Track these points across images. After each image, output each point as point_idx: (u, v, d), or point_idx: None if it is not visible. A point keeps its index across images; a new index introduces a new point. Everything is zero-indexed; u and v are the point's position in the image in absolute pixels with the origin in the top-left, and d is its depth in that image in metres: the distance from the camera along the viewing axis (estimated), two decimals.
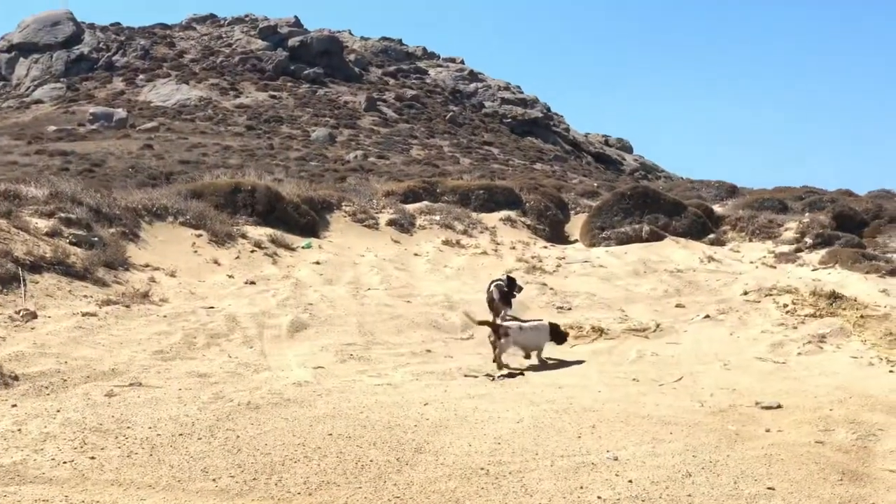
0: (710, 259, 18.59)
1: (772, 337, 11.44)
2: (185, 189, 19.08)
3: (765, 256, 19.19)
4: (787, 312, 12.77)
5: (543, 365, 10.04)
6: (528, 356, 10.26)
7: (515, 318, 10.88)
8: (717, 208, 25.97)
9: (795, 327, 11.87)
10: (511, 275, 12.74)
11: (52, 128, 71.42)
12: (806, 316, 12.38)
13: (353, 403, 7.30)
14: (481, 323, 10.50)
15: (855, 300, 13.14)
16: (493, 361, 9.84)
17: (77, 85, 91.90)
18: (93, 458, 5.71)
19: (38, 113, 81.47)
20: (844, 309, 12.55)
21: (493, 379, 8.78)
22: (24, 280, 11.00)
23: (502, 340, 9.95)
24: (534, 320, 10.77)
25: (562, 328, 10.76)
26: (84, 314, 10.30)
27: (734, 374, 9.41)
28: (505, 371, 9.19)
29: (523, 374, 9.02)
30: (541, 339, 10.39)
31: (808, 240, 20.09)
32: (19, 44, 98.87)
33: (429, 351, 10.26)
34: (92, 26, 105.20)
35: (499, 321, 10.82)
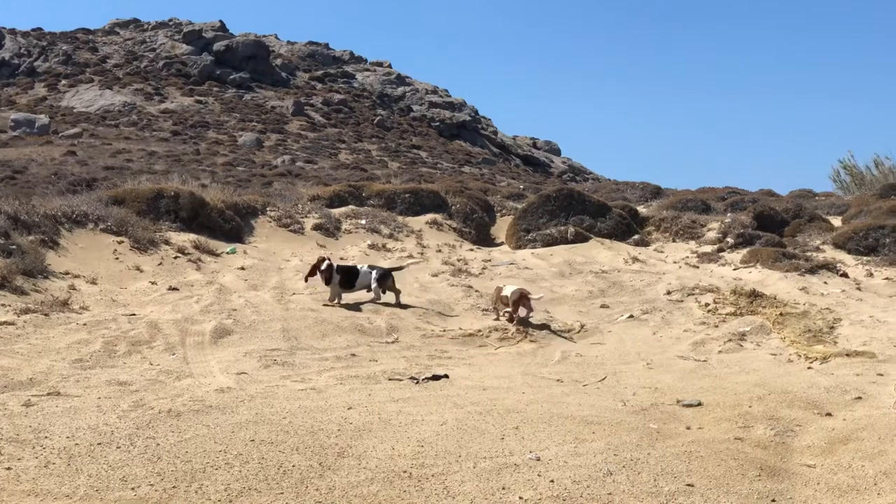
0: (635, 260, 18.76)
1: (694, 336, 11.62)
2: (106, 195, 18.79)
3: (688, 256, 19.41)
4: (708, 311, 12.96)
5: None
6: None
7: None
8: (642, 209, 26.22)
9: (717, 326, 12.06)
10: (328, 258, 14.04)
11: None
12: (727, 314, 12.58)
13: (276, 409, 7.25)
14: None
15: (775, 298, 13.38)
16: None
17: None
18: (9, 468, 5.61)
19: None
20: (764, 307, 12.77)
21: (418, 382, 8.78)
22: None
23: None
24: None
25: None
26: (1, 323, 10.11)
27: (657, 372, 9.53)
28: (429, 373, 9.18)
29: (448, 377, 9.02)
30: None
31: (730, 239, 20.35)
32: None
33: (353, 355, 10.22)
34: (13, 31, 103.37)
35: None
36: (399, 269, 14.52)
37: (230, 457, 5.98)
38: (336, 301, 13.29)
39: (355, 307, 13.14)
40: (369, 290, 13.75)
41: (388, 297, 13.71)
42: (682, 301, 13.96)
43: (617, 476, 5.78)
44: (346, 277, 13.43)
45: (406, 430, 6.73)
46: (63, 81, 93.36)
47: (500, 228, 24.98)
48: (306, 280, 13.79)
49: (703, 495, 5.53)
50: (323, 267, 13.29)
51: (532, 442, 6.49)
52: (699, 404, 7.83)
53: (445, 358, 10.36)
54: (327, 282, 13.30)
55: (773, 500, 5.53)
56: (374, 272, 13.78)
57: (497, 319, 12.74)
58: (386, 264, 15.24)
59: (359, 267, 13.81)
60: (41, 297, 11.97)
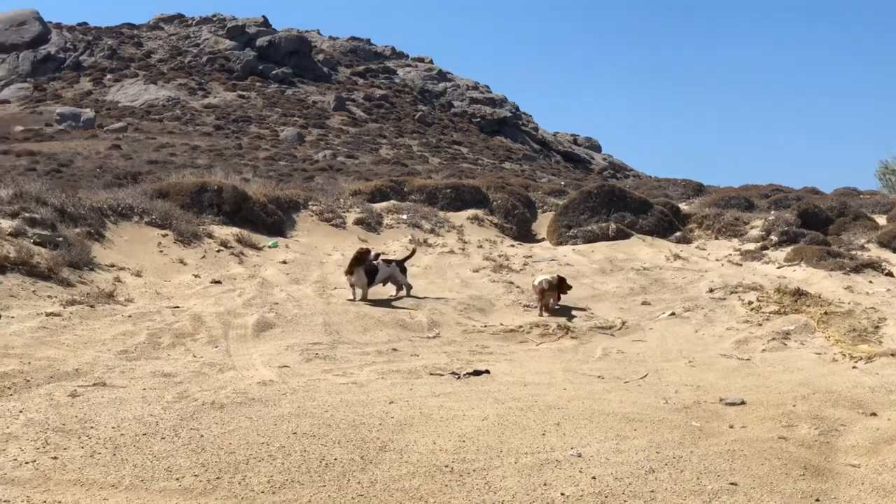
0: (677, 257, 18.67)
1: (737, 334, 11.53)
2: (150, 189, 18.99)
3: (730, 254, 19.29)
4: (752, 310, 12.86)
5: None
6: None
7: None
8: (684, 206, 26.08)
9: (760, 324, 11.95)
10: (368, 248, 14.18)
11: (19, 128, 70.89)
12: (771, 313, 12.47)
13: (318, 402, 7.28)
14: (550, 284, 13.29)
15: (819, 297, 13.25)
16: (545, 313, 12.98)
17: (44, 85, 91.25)
18: (55, 458, 5.66)
19: (4, 113, 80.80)
20: (809, 306, 12.65)
21: (459, 377, 8.77)
22: None
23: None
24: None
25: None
26: (48, 314, 10.22)
27: (699, 370, 9.46)
28: (470, 369, 9.16)
29: (489, 373, 9.01)
30: None
31: (774, 237, 20.21)
32: None
33: (395, 350, 10.23)
34: (59, 26, 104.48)
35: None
36: (409, 258, 14.53)
37: (273, 449, 6.01)
38: (363, 297, 13.23)
39: (398, 302, 13.18)
40: (385, 283, 13.76)
41: (388, 289, 13.89)
42: (724, 299, 13.87)
43: (659, 474, 5.75)
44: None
45: (447, 424, 6.73)
46: (108, 76, 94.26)
47: (542, 224, 24.96)
48: (347, 274, 13.72)
49: (747, 494, 5.49)
50: (371, 257, 13.21)
51: (573, 438, 6.47)
52: (742, 403, 7.76)
53: (486, 353, 10.35)
54: (368, 273, 13.19)
55: (817, 500, 5.48)
56: (392, 265, 13.78)
57: (541, 315, 12.77)
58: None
59: (375, 262, 13.67)
60: (87, 288, 12.09)
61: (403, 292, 13.73)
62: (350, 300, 13.06)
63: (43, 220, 14.08)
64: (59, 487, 5.24)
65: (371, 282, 13.30)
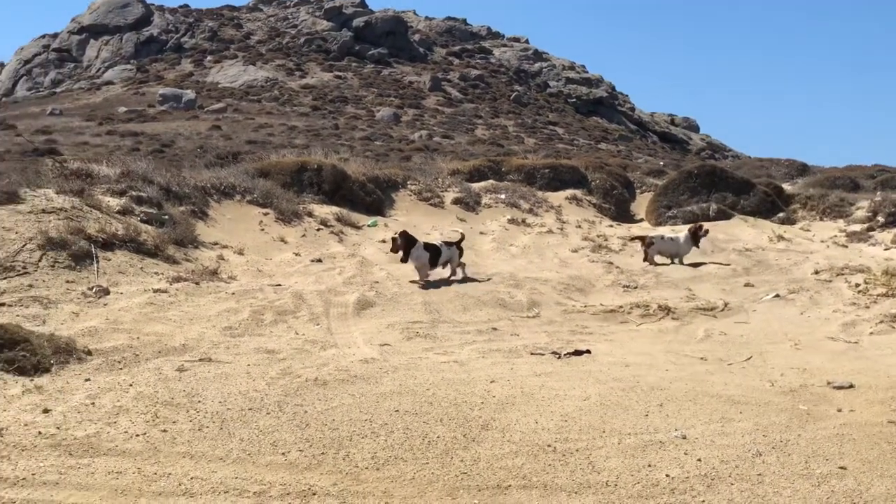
0: (780, 238, 18.34)
1: (844, 317, 11.26)
2: (252, 168, 19.23)
3: (836, 235, 18.88)
4: (859, 292, 12.57)
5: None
6: (671, 261, 15.72)
7: None
8: (787, 187, 25.60)
9: (868, 307, 11.67)
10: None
11: (123, 109, 72.52)
12: (878, 295, 12.17)
13: (420, 380, 7.31)
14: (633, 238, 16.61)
15: None
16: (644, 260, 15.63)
17: (146, 66, 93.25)
18: (165, 431, 5.79)
19: (108, 94, 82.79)
20: None
21: (560, 357, 8.74)
22: (96, 257, 11.17)
23: (649, 248, 15.65)
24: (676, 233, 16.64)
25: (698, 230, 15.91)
26: (155, 291, 10.42)
27: (805, 353, 9.27)
28: (571, 349, 9.11)
29: (590, 352, 8.95)
30: (680, 248, 15.76)
31: (881, 218, 19.71)
32: (89, 25, 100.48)
33: (495, 329, 10.22)
34: (161, 8, 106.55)
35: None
36: (462, 240, 14.30)
37: (375, 426, 6.05)
38: (423, 278, 13.00)
39: (497, 281, 13.16)
40: (446, 265, 13.53)
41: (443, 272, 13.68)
42: (830, 281, 13.58)
43: (766, 457, 5.66)
44: (431, 254, 13.11)
45: (549, 404, 6.70)
46: (208, 57, 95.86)
47: (640, 205, 24.74)
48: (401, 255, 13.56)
49: (857, 478, 5.37)
50: (403, 240, 12.84)
51: (677, 420, 6.39)
52: (850, 386, 7.59)
53: (586, 333, 10.29)
54: (431, 254, 13.02)
55: None
56: (452, 248, 13.57)
57: (644, 261, 15.52)
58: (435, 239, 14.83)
59: (437, 244, 13.51)
60: (192, 266, 12.31)
61: (459, 274, 13.59)
62: (413, 281, 12.91)
63: (149, 199, 14.37)
64: (168, 459, 5.35)
65: (435, 263, 13.20)
